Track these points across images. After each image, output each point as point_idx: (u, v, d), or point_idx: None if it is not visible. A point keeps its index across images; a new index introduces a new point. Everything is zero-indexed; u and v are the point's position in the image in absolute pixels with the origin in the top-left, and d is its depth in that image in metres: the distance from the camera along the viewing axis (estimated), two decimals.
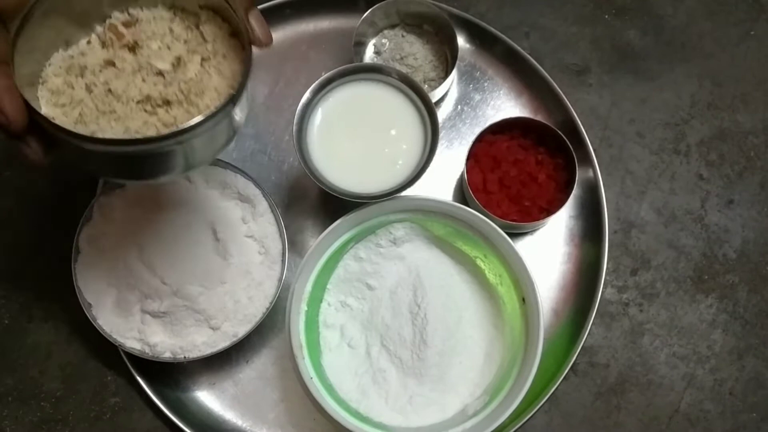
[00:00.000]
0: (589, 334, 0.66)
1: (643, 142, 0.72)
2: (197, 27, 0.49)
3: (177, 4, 0.49)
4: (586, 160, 0.69)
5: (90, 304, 0.62)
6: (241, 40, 0.48)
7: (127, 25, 0.48)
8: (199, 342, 0.62)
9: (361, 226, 0.63)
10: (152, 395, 0.65)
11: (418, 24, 0.72)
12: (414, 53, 0.70)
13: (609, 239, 0.68)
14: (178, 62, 0.48)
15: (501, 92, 0.73)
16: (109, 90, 0.46)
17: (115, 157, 0.45)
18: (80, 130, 0.43)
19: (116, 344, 0.62)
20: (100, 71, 0.46)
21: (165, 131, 0.44)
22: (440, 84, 0.68)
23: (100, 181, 0.66)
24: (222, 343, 0.62)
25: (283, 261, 0.64)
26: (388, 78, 0.62)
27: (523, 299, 0.62)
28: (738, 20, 0.75)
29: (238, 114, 0.47)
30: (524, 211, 0.66)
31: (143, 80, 0.47)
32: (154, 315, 0.62)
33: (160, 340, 0.62)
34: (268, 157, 0.70)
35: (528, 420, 0.64)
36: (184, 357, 0.62)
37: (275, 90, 0.72)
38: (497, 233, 0.61)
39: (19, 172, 0.71)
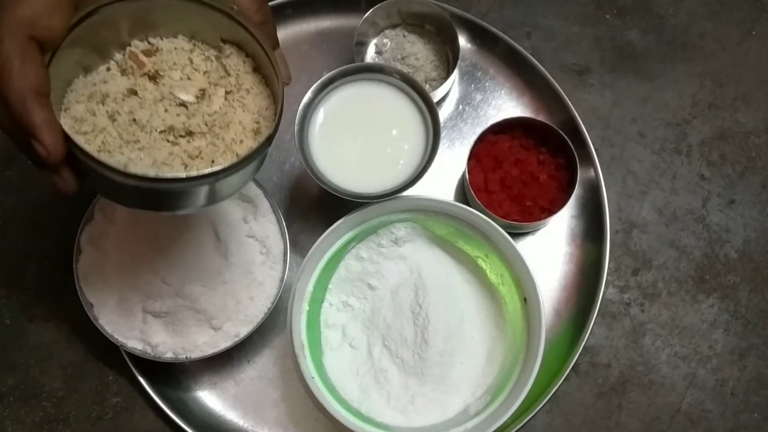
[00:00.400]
0: (590, 334, 0.66)
1: (644, 141, 0.72)
2: (217, 59, 0.49)
3: (197, 36, 0.49)
4: (588, 160, 0.69)
5: (91, 304, 0.62)
6: (266, 76, 0.49)
7: (147, 54, 0.48)
8: (200, 342, 0.62)
9: (362, 226, 0.63)
10: (154, 395, 0.65)
11: (420, 24, 0.72)
12: (415, 53, 0.70)
13: (610, 239, 0.68)
14: (202, 94, 0.48)
15: (502, 92, 0.73)
16: (134, 119, 0.46)
17: (148, 191, 0.44)
18: (111, 161, 0.43)
19: (118, 344, 0.62)
20: (123, 100, 0.46)
21: (210, 169, 0.44)
22: (442, 84, 0.68)
23: None
24: (223, 343, 0.62)
25: (284, 261, 0.64)
26: (389, 78, 0.62)
27: (525, 299, 0.62)
28: (739, 20, 0.75)
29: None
30: (526, 211, 0.66)
31: (166, 110, 0.47)
32: (156, 315, 0.62)
33: (162, 340, 0.62)
34: (270, 157, 0.70)
35: (529, 420, 0.64)
36: (186, 357, 0.62)
37: None
38: (499, 233, 0.61)
39: (21, 172, 0.71)
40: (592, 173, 0.69)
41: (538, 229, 0.69)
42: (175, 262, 0.62)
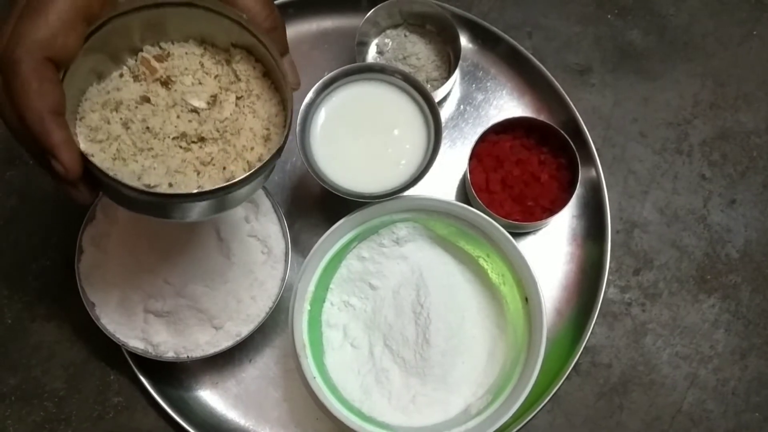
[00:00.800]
0: (591, 333, 0.66)
1: (645, 141, 0.71)
2: (228, 63, 0.50)
3: (208, 40, 0.50)
4: (589, 160, 0.69)
5: (93, 304, 0.62)
6: (275, 82, 0.49)
7: (158, 59, 0.48)
8: (202, 341, 0.62)
9: (364, 225, 0.63)
10: (155, 395, 0.65)
11: (421, 24, 0.72)
12: (417, 53, 0.70)
13: (612, 239, 0.68)
14: (213, 101, 0.48)
15: (503, 92, 0.73)
16: (147, 128, 0.46)
17: (160, 204, 0.46)
18: (126, 179, 0.44)
19: (119, 344, 0.62)
20: (136, 107, 0.47)
21: (221, 184, 0.45)
22: (443, 84, 0.68)
23: None
24: (225, 343, 0.62)
25: (286, 260, 0.64)
26: (391, 78, 0.62)
27: (526, 299, 0.62)
28: (741, 20, 0.75)
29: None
30: (527, 210, 0.66)
31: (178, 117, 0.47)
32: (158, 314, 0.62)
33: (164, 340, 0.62)
34: None
35: (530, 420, 0.64)
36: (187, 356, 0.62)
37: None
38: (500, 233, 0.61)
39: (22, 172, 0.71)
40: (594, 173, 0.69)
41: (539, 229, 0.69)
42: (176, 262, 0.62)
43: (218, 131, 0.48)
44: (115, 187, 0.44)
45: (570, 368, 0.65)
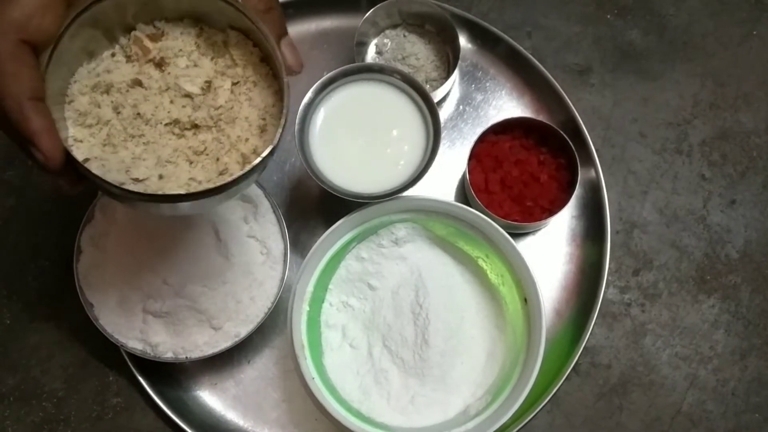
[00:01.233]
0: (591, 334, 0.66)
1: (645, 142, 0.71)
2: (225, 45, 0.48)
3: (204, 19, 0.48)
4: (589, 160, 0.69)
5: (92, 304, 0.62)
6: (273, 68, 0.47)
7: (152, 38, 0.46)
8: (200, 342, 0.62)
9: (362, 226, 0.63)
10: (154, 395, 0.65)
11: (420, 24, 0.71)
12: (416, 53, 0.70)
13: (611, 239, 0.68)
14: (207, 87, 0.47)
15: (503, 92, 0.72)
16: (138, 114, 0.45)
17: (147, 201, 0.44)
18: (114, 160, 0.42)
19: (118, 344, 0.62)
20: (127, 91, 0.45)
21: (209, 185, 0.43)
22: (442, 84, 0.68)
23: None
24: (224, 343, 0.62)
25: (284, 261, 0.64)
26: (390, 78, 0.62)
27: (525, 299, 0.62)
28: (740, 20, 0.74)
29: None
30: (526, 211, 0.66)
31: (171, 102, 0.46)
32: (156, 315, 0.62)
33: (162, 340, 0.62)
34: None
35: (530, 420, 0.63)
36: (186, 357, 0.62)
37: None
38: (499, 233, 0.61)
39: (21, 173, 0.71)
40: (593, 173, 0.69)
41: (538, 230, 0.69)
42: (175, 262, 0.62)
43: (212, 119, 0.46)
44: (100, 184, 0.42)
45: (569, 369, 0.65)
